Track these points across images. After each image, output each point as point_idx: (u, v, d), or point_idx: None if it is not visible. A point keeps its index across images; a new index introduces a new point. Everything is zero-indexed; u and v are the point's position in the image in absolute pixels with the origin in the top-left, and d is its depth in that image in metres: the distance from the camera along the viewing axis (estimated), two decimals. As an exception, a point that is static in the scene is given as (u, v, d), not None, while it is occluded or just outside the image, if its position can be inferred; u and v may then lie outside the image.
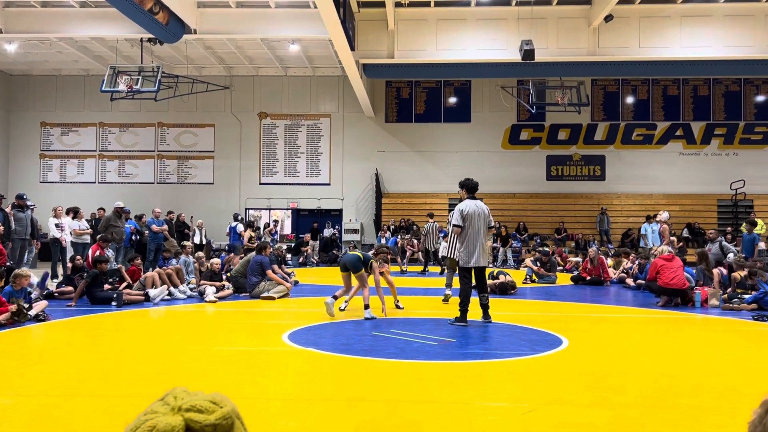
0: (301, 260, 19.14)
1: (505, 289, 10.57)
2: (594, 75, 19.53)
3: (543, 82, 18.76)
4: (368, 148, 23.52)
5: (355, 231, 23.08)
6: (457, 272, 8.38)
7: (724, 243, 12.78)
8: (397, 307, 8.54)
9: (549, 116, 22.99)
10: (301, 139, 23.75)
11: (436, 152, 23.51)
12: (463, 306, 7.16)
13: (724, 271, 11.20)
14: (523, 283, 13.21)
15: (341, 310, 8.27)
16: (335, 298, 7.95)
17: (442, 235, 14.76)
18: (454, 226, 7.28)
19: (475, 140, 23.43)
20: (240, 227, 17.09)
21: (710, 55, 17.65)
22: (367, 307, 7.74)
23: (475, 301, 8.16)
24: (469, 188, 7.45)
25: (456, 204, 8.06)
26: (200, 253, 11.30)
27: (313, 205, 23.72)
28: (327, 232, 21.55)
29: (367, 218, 23.61)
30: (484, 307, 7.39)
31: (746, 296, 9.30)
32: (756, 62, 17.75)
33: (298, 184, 23.67)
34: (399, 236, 19.09)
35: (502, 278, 10.97)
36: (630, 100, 23.33)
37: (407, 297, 10.40)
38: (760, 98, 22.99)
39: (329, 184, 23.73)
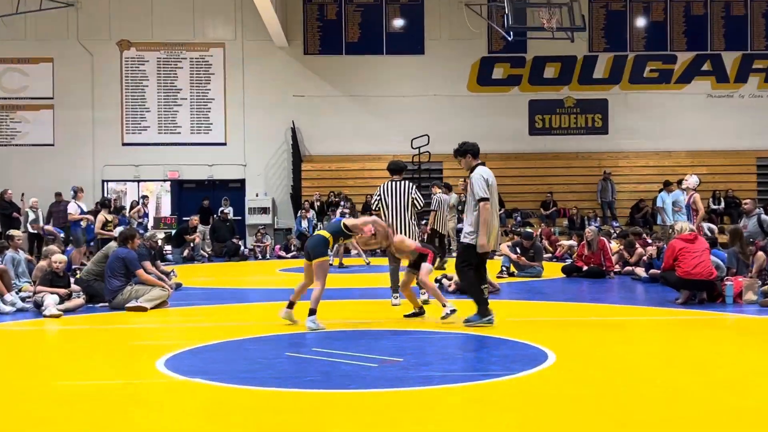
0: (185, 253, 18.89)
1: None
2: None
3: (523, -2, 18.94)
4: (280, 92, 23.29)
5: (263, 210, 22.92)
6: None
7: (764, 216, 13.33)
8: (416, 313, 8.63)
9: (532, 46, 23.31)
10: (183, 79, 23.31)
11: (376, 97, 23.50)
12: (479, 294, 7.83)
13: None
14: (498, 276, 13.39)
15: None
16: (291, 305, 8.07)
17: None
18: (483, 200, 7.73)
19: (430, 80, 23.53)
20: (73, 207, 16.29)
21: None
22: (312, 312, 7.76)
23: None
24: (477, 153, 8.11)
25: (407, 173, 8.04)
26: (49, 248, 10.95)
27: (202, 175, 23.42)
28: (228, 211, 21.30)
29: (280, 192, 23.47)
30: (484, 301, 7.92)
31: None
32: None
33: (180, 144, 23.26)
34: (340, 211, 18.91)
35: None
36: (641, 23, 23.95)
37: (339, 301, 10.41)
38: (812, 20, 24.00)
39: (225, 144, 23.42)
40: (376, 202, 9.73)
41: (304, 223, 20.83)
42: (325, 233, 8.18)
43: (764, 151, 23.55)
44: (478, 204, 7.75)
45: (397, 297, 9.49)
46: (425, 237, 15.10)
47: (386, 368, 5.90)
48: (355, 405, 4.85)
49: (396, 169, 9.90)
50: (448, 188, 17.28)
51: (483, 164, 8.10)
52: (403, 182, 9.71)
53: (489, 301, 8.03)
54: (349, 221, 8.36)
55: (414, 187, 9.80)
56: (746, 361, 6.18)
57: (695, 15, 23.96)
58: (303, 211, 21.14)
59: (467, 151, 8.09)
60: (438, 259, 11.78)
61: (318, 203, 21.80)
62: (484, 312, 7.79)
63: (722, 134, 23.51)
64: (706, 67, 23.98)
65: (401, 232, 9.39)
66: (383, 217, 9.54)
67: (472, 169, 8.02)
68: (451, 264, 13.47)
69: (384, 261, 18.03)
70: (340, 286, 12.69)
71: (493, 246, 7.92)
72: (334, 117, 23.34)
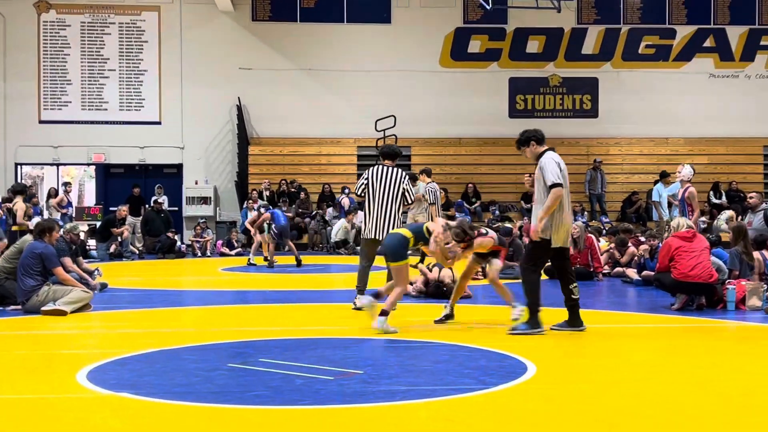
0: (112, 249, 18.76)
1: (442, 291, 10.76)
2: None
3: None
4: (224, 64, 23.20)
5: (203, 200, 22.81)
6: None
7: (771, 212, 13.57)
8: (445, 318, 8.73)
9: (513, 16, 23.47)
10: (111, 47, 23.09)
11: (336, 72, 23.48)
12: (535, 303, 7.96)
13: (770, 256, 11.96)
14: (473, 278, 13.51)
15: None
16: (378, 296, 8.33)
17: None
18: (555, 185, 7.82)
19: (398, 53, 23.57)
20: None
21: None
22: (385, 313, 8.00)
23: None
24: (541, 139, 8.23)
25: (371, 159, 8.08)
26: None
27: (132, 158, 23.26)
28: (162, 201, 21.17)
29: (224, 180, 23.38)
30: (574, 306, 8.10)
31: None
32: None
33: (107, 122, 23.07)
34: (285, 207, 18.88)
35: (436, 273, 11.13)
36: (637, -9, 24.21)
37: (290, 305, 10.39)
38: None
39: (159, 123, 23.27)
40: (362, 187, 9.78)
41: (250, 215, 20.71)
42: (407, 232, 8.33)
43: (773, 138, 23.97)
44: (548, 191, 7.84)
45: (360, 299, 9.50)
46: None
47: (343, 382, 5.88)
48: (307, 424, 4.82)
49: (390, 153, 10.03)
50: (414, 179, 16.81)
51: (552, 149, 8.22)
52: (395, 169, 9.77)
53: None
54: (431, 225, 8.48)
55: (407, 177, 9.88)
56: (749, 374, 6.29)
57: (697, -16, 24.30)
58: (250, 201, 21.05)
59: (530, 138, 8.20)
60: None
61: (267, 192, 21.75)
62: (535, 323, 7.91)
63: (725, 119, 23.88)
64: (708, 43, 24.33)
65: (386, 224, 9.46)
66: (367, 205, 9.60)
67: (538, 156, 8.12)
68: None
69: (318, 260, 18.15)
70: (292, 287, 12.70)
71: (563, 242, 8.02)
72: (287, 94, 23.28)
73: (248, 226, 17.52)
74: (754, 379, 6.10)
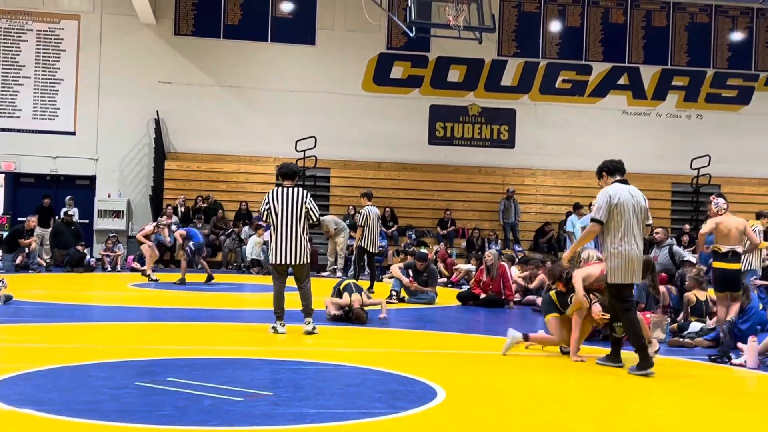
0: (19, 261, 18.35)
1: (355, 316, 10.75)
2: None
3: (429, -10, 19.29)
4: (144, 77, 22.91)
5: (116, 214, 22.43)
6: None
7: (676, 248, 14.04)
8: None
9: (436, 45, 23.79)
10: (26, 54, 22.62)
11: (257, 90, 23.44)
12: (640, 341, 7.77)
13: (674, 290, 12.35)
14: (387, 302, 13.58)
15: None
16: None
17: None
18: (594, 220, 7.96)
19: (321, 74, 23.66)
20: None
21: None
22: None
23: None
24: (613, 170, 8.18)
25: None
26: None
27: (43, 168, 22.76)
28: (73, 213, 20.74)
29: (138, 193, 23.04)
30: (617, 343, 8.07)
31: (697, 326, 10.30)
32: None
33: (18, 130, 22.54)
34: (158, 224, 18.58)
35: (347, 299, 11.03)
36: (556, 27, 24.86)
37: (200, 324, 10.28)
38: (737, 36, 25.51)
39: (73, 134, 22.83)
40: (266, 212, 9.60)
41: (165, 232, 20.44)
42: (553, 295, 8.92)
43: (680, 176, 24.75)
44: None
45: (283, 325, 9.44)
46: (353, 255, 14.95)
47: (253, 403, 5.87)
48: None
49: (288, 173, 9.80)
50: (369, 198, 16.72)
51: (624, 182, 8.07)
52: (295, 189, 9.60)
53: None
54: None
55: (309, 195, 9.72)
56: (650, 404, 6.49)
57: (614, 23, 25.04)
58: (164, 217, 20.76)
59: (602, 170, 8.23)
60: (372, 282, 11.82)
61: (183, 208, 21.50)
62: (646, 363, 7.67)
63: (636, 155, 24.41)
64: (622, 80, 25.08)
65: (293, 247, 9.37)
66: (273, 228, 9.52)
67: None
68: (380, 290, 13.64)
69: (231, 278, 18.03)
70: (203, 306, 12.58)
71: (634, 279, 7.88)
72: (207, 110, 23.11)
73: (140, 239, 17.24)
74: (656, 409, 6.30)
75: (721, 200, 10.57)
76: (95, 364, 7.30)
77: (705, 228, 10.69)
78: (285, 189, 9.57)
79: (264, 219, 9.82)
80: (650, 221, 8.15)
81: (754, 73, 25.37)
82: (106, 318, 11.29)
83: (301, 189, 9.67)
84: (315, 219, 9.63)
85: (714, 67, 25.38)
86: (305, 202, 9.51)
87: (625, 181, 8.08)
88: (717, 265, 10.23)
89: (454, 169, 24.18)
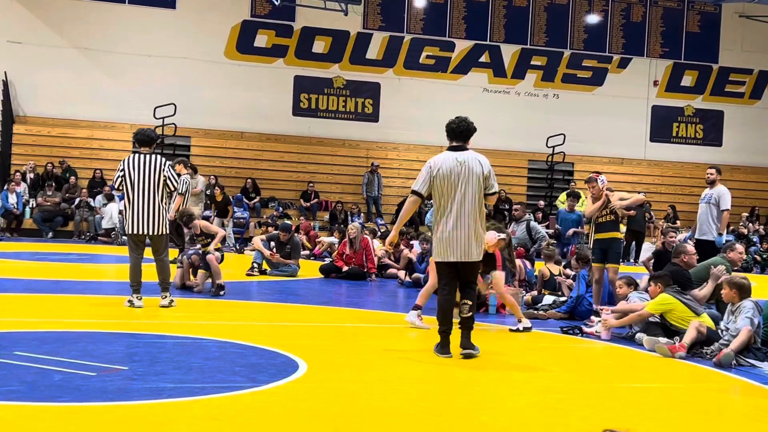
0: None
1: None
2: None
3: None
4: (-9, 35, 21.79)
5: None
6: None
7: (533, 223, 14.46)
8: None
9: (301, 15, 23.65)
10: None
11: (113, 53, 22.75)
12: (444, 325, 7.17)
13: (529, 264, 12.71)
14: (247, 274, 13.40)
15: None
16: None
17: None
18: (411, 192, 7.50)
19: (183, 40, 23.15)
20: None
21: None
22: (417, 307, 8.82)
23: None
24: (450, 134, 7.58)
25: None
26: None
27: None
28: None
29: (-17, 159, 21.95)
30: (466, 325, 7.17)
31: (550, 299, 10.66)
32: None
33: None
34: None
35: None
36: (420, 3, 25.07)
37: (49, 296, 9.86)
38: (593, 19, 26.41)
39: None
40: (119, 180, 9.22)
41: (12, 199, 19.61)
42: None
43: (536, 153, 25.58)
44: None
45: (140, 298, 9.10)
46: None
47: (107, 378, 5.70)
48: (66, 422, 4.66)
49: (145, 139, 9.42)
50: (194, 170, 16.55)
51: (461, 148, 7.40)
52: (153, 156, 9.27)
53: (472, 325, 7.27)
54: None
55: (167, 163, 9.39)
56: (507, 372, 6.64)
57: (477, 1, 25.43)
58: (12, 183, 19.93)
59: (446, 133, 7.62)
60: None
61: (32, 175, 20.73)
62: (444, 348, 7.11)
63: (496, 132, 25.08)
64: (484, 58, 25.57)
65: (150, 217, 9.06)
66: (127, 197, 9.15)
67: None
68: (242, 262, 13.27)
69: (84, 248, 17.47)
70: (56, 277, 12.08)
71: (475, 254, 7.17)
72: (59, 72, 22.33)
73: None
74: (508, 378, 6.42)
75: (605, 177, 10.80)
76: (-68, 339, 6.88)
77: (596, 206, 10.61)
78: (141, 156, 9.23)
79: (117, 187, 9.45)
80: (494, 189, 7.35)
81: (608, 56, 26.33)
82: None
83: (159, 156, 9.37)
84: (173, 187, 9.33)
85: (571, 48, 26.20)
86: (163, 170, 9.21)
87: (462, 147, 7.43)
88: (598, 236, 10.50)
89: (318, 141, 24.13)
